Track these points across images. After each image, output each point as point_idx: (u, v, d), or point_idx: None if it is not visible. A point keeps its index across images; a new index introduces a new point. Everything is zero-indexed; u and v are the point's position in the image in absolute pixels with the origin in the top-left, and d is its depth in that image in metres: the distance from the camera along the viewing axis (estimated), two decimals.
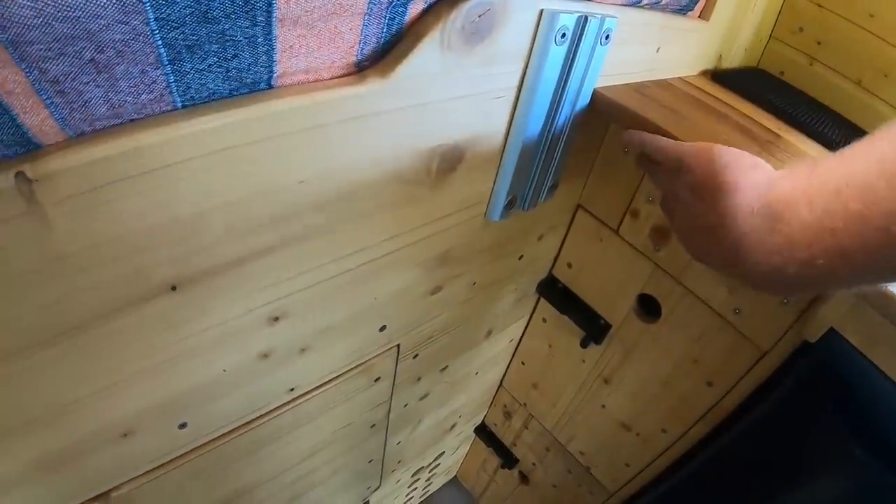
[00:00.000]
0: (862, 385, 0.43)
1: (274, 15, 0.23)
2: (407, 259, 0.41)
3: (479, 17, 0.31)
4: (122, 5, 0.19)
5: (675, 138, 0.38)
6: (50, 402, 0.26)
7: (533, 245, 0.52)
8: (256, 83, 0.25)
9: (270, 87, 0.26)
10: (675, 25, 0.50)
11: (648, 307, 0.53)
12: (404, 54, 0.29)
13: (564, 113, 0.40)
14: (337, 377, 0.47)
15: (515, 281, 0.55)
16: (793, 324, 0.45)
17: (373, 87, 0.29)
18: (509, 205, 0.43)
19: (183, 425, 0.34)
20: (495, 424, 0.79)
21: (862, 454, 0.43)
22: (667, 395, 0.56)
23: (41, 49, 0.18)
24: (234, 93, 0.25)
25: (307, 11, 0.24)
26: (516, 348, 0.69)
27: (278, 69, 0.26)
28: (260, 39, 0.24)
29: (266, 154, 0.26)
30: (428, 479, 0.95)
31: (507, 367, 0.71)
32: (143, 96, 0.22)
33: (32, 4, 0.17)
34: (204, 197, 0.25)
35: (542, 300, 0.60)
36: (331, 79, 0.28)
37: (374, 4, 0.27)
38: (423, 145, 0.34)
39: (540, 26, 0.34)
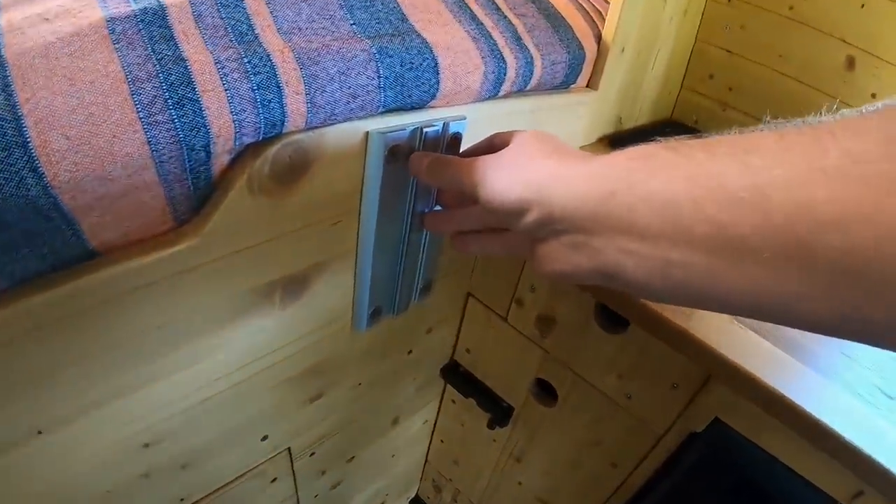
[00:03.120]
0: (751, 469, 0.45)
1: (65, 210, 0.25)
2: (272, 378, 0.42)
3: (289, 156, 0.32)
4: None
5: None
6: None
7: (422, 339, 0.54)
8: (78, 258, 0.27)
9: (93, 256, 0.28)
10: (551, 104, 0.53)
11: (546, 390, 0.55)
12: (214, 209, 0.31)
13: (419, 220, 0.43)
14: (228, 484, 0.48)
15: (412, 371, 0.57)
16: (682, 411, 0.47)
17: (190, 243, 0.30)
18: (375, 314, 0.45)
19: None
20: (428, 497, 0.80)
21: None
22: (576, 473, 0.57)
23: None
24: (58, 268, 0.27)
25: (97, 199, 0.26)
26: (434, 427, 0.70)
27: (93, 244, 0.27)
28: (66, 230, 0.26)
29: (100, 316, 0.28)
30: None
31: (429, 444, 0.73)
32: None
33: None
34: (52, 358, 0.28)
35: (447, 384, 0.62)
36: (152, 237, 0.30)
37: (164, 172, 0.29)
38: (258, 282, 0.36)
39: (368, 149, 0.36)
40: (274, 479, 0.54)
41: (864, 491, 0.37)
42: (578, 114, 0.58)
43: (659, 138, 0.22)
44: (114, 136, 0.26)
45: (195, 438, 0.41)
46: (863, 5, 0.71)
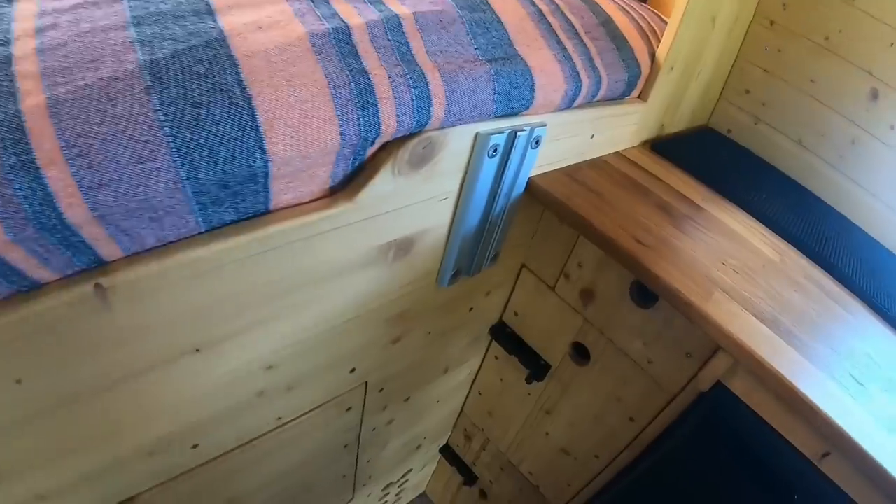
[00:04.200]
0: (742, 423, 0.58)
1: (270, 177, 0.38)
2: (371, 319, 0.55)
3: (423, 148, 0.45)
4: (168, 189, 0.33)
5: (595, 225, 0.52)
6: (100, 431, 0.40)
7: (481, 300, 0.67)
8: (257, 212, 0.40)
9: (267, 211, 0.40)
10: (610, 113, 0.64)
11: (581, 352, 0.68)
12: (364, 183, 0.43)
13: (500, 203, 0.55)
14: (316, 408, 0.61)
15: (467, 328, 0.70)
16: (695, 374, 0.60)
17: (341, 208, 0.42)
18: (455, 275, 0.57)
19: (195, 446, 0.49)
20: (458, 446, 0.94)
21: (750, 486, 0.58)
22: (598, 426, 0.71)
23: (118, 216, 0.32)
24: (241, 218, 0.39)
25: (291, 171, 0.39)
26: (474, 380, 0.83)
27: (272, 204, 0.40)
28: (260, 192, 0.38)
29: (265, 260, 0.41)
30: (398, 495, 1.11)
31: (467, 396, 0.86)
32: (181, 230, 0.36)
33: (114, 196, 0.31)
34: (219, 290, 0.40)
35: (494, 342, 0.75)
36: (310, 201, 0.42)
37: (341, 155, 0.41)
38: (383, 240, 0.48)
39: (475, 145, 0.48)
40: (349, 409, 0.68)
41: (831, 452, 0.49)
42: (629, 121, 0.69)
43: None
44: (319, 127, 0.38)
45: (304, 365, 0.53)
46: (892, 44, 0.81)
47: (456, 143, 0.46)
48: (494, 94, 0.45)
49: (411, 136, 0.43)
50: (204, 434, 0.48)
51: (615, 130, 0.68)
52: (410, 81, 0.40)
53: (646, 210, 0.60)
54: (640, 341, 0.62)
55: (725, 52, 0.89)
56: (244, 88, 0.35)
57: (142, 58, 0.31)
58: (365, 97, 0.39)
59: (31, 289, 0.30)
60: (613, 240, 0.52)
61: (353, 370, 0.61)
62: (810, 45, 0.87)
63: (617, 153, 0.71)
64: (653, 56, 0.68)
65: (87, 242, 0.31)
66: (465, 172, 0.50)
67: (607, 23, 0.63)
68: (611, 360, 0.65)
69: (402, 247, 0.51)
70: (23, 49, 0.30)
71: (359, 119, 0.39)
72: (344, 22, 0.40)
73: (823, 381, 0.48)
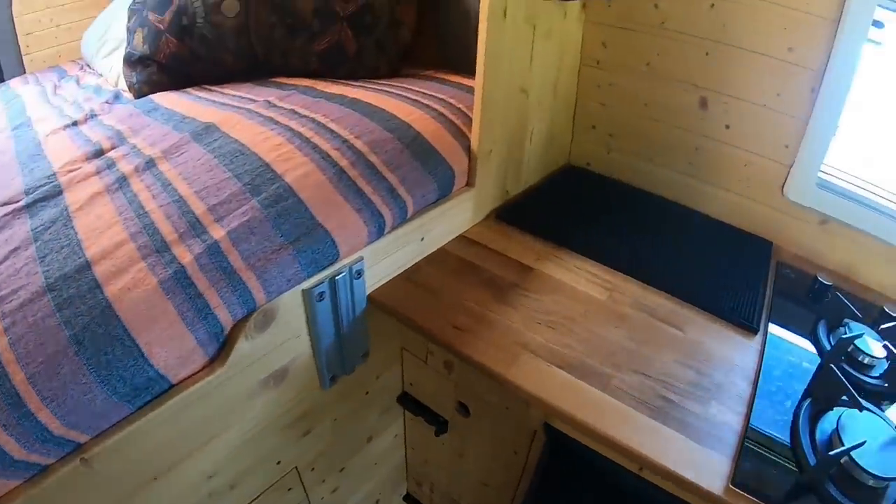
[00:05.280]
0: (580, 456, 0.80)
1: (161, 374, 0.63)
2: (276, 426, 0.81)
3: (262, 317, 0.70)
4: (106, 401, 0.59)
5: (419, 323, 0.76)
6: None
7: (374, 383, 0.92)
8: (165, 389, 0.66)
9: (172, 386, 0.66)
10: (437, 213, 0.88)
11: (464, 408, 0.92)
12: (229, 352, 0.68)
13: (346, 323, 0.79)
14: (261, 494, 0.88)
15: (372, 405, 0.95)
16: (530, 416, 0.83)
17: (218, 372, 0.68)
18: (333, 378, 0.82)
19: None
20: (415, 492, 1.20)
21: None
22: (497, 461, 0.95)
23: (84, 426, 0.58)
24: (157, 395, 0.65)
25: (176, 365, 0.64)
26: (405, 438, 1.08)
27: (174, 381, 0.65)
28: (161, 382, 0.64)
29: (185, 412, 0.66)
30: None
31: (405, 451, 1.12)
32: (122, 415, 0.62)
33: (74, 418, 0.57)
34: (161, 439, 0.66)
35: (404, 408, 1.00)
36: (201, 369, 0.68)
37: (204, 348, 0.66)
38: (260, 377, 0.73)
39: (305, 298, 0.73)
40: (290, 489, 0.94)
41: (643, 468, 0.72)
42: (462, 209, 0.93)
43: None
44: (181, 339, 0.63)
45: (237, 467, 0.80)
46: (707, 53, 1.01)
47: (288, 303, 0.71)
48: (301, 266, 0.69)
49: (252, 312, 0.68)
50: None
51: (449, 223, 0.91)
52: (232, 288, 0.65)
53: (472, 291, 0.83)
54: (496, 395, 0.85)
55: (561, 98, 1.10)
56: (126, 330, 0.60)
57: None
58: (204, 312, 0.64)
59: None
60: (433, 333, 0.76)
61: (279, 462, 0.87)
62: (636, 74, 1.08)
63: (459, 236, 0.94)
64: (469, 148, 0.91)
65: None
66: (307, 315, 0.75)
67: (414, 142, 0.86)
68: (483, 411, 0.89)
69: (278, 376, 0.76)
70: None
71: (205, 326, 0.64)
72: (180, 264, 0.64)
73: (623, 410, 0.68)
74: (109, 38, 1.45)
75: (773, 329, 0.84)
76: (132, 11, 1.18)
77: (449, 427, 0.95)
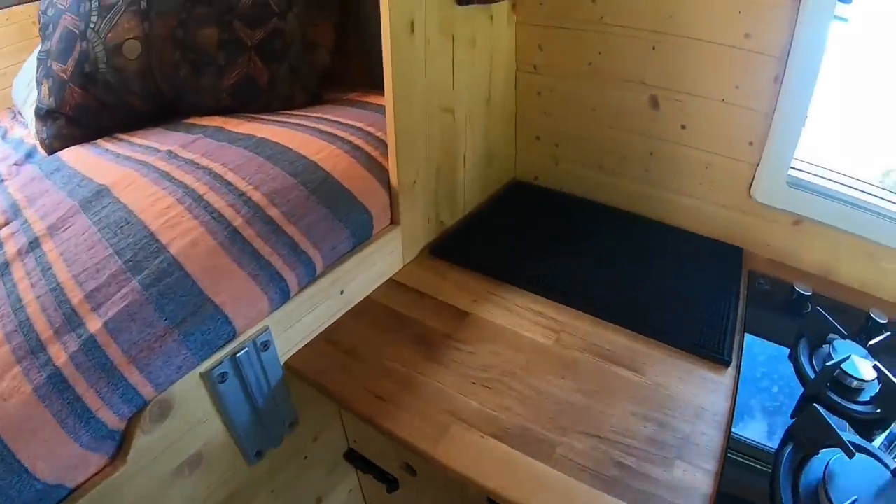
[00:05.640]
0: None
1: (52, 484, 0.61)
2: None
3: (158, 408, 0.67)
4: None
5: (335, 394, 0.72)
6: None
7: (311, 446, 0.89)
8: (64, 496, 0.63)
9: (72, 492, 0.63)
10: (356, 261, 0.83)
11: (410, 467, 0.88)
12: (128, 448, 0.65)
13: (261, 397, 0.76)
14: None
15: (315, 467, 0.92)
16: None
17: (122, 469, 0.65)
18: (258, 453, 0.79)
19: None
20: None
21: None
22: None
23: None
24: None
25: (66, 472, 0.62)
26: (362, 492, 1.06)
27: (72, 486, 0.63)
28: (60, 490, 0.62)
29: None
30: None
31: (364, 503, 1.09)
32: None
33: None
34: None
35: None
36: (104, 467, 0.65)
37: (96, 448, 0.63)
38: (172, 466, 0.71)
39: (205, 381, 0.70)
40: None
41: None
42: (388, 250, 0.88)
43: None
44: (65, 448, 0.60)
45: None
46: (654, 47, 0.94)
47: (185, 390, 0.68)
48: (190, 351, 0.66)
49: (146, 404, 0.65)
50: None
51: (372, 269, 0.87)
52: (113, 386, 0.62)
53: (399, 349, 0.79)
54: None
55: (500, 110, 1.04)
56: (5, 445, 0.57)
57: None
58: (86, 417, 0.61)
59: None
60: (351, 405, 0.72)
61: None
62: (578, 76, 1.01)
63: (389, 280, 0.89)
64: (388, 183, 0.86)
65: None
66: (211, 397, 0.71)
67: (323, 185, 0.82)
68: (429, 473, 0.85)
69: (192, 463, 0.73)
70: None
71: (89, 432, 0.61)
72: (55, 366, 0.61)
73: (570, 485, 0.62)
74: (34, 86, 1.42)
75: (748, 357, 0.79)
76: (39, 61, 1.14)
77: (400, 485, 0.92)
